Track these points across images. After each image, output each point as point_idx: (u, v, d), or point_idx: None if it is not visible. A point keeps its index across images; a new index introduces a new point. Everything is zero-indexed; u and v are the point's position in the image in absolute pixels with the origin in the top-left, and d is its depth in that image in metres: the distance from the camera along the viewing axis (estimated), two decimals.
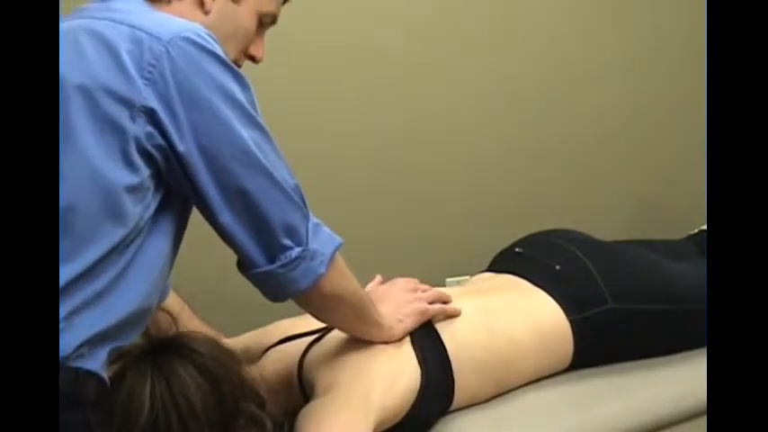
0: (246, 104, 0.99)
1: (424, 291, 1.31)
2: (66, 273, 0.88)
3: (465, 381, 1.26)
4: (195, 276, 1.45)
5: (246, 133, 0.98)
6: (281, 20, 1.19)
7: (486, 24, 2.14)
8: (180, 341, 0.96)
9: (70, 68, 0.92)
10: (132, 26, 0.95)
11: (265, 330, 1.40)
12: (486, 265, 1.61)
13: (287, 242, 1.01)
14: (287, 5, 1.20)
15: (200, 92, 0.94)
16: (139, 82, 0.92)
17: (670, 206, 2.40)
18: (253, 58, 1.17)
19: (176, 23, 0.97)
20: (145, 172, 0.95)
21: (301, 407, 1.14)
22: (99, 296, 0.92)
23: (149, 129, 0.93)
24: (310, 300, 1.08)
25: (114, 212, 0.92)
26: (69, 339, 0.88)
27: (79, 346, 0.89)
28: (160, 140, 0.94)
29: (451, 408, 1.27)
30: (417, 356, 1.22)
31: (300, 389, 1.24)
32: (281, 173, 1.01)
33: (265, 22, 1.16)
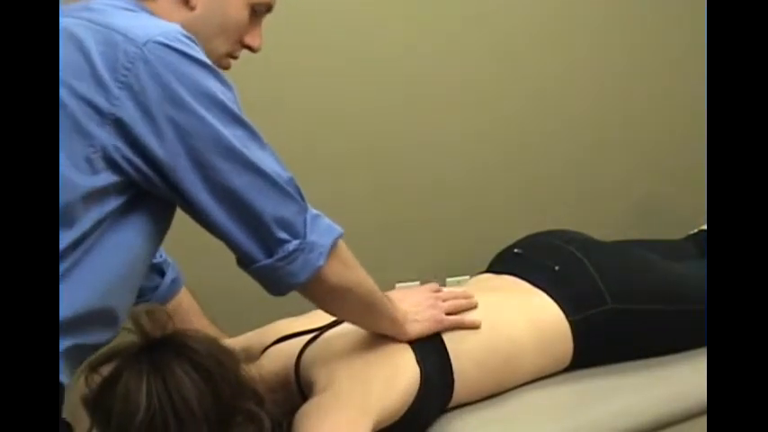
0: (228, 103, 0.97)
1: (444, 299, 1.29)
2: None
3: (464, 380, 1.26)
4: (196, 276, 1.45)
5: (230, 131, 0.97)
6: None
7: (487, 24, 2.14)
8: (177, 339, 0.95)
9: None
10: (108, 27, 0.94)
11: (264, 330, 1.40)
12: (485, 266, 1.61)
13: (283, 235, 1.00)
14: None
15: (178, 94, 0.93)
16: (113, 86, 0.91)
17: (670, 206, 2.40)
18: (250, 48, 1.16)
19: (153, 26, 0.96)
20: (109, 179, 0.94)
21: (299, 406, 1.13)
22: None
23: (116, 141, 0.92)
24: (314, 293, 1.07)
25: (67, 218, 0.91)
26: None
27: None
28: (128, 152, 0.93)
29: (450, 406, 1.27)
30: (416, 356, 1.22)
31: (298, 388, 1.24)
32: (271, 167, 1.00)
33: (259, 10, 1.14)
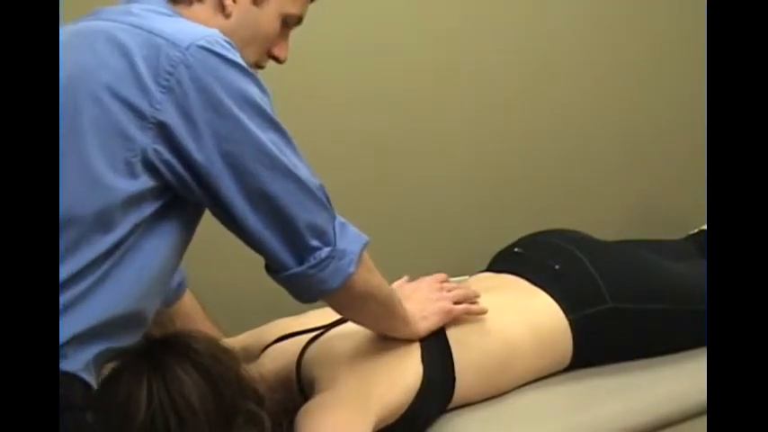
0: (266, 108, 0.98)
1: (449, 290, 1.31)
2: None
3: (465, 380, 1.26)
4: (196, 276, 1.44)
5: (267, 136, 0.97)
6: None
7: (490, 27, 2.14)
8: (177, 340, 0.95)
9: (85, 72, 0.92)
10: (150, 32, 0.95)
11: (264, 329, 1.40)
12: (485, 265, 1.61)
13: (315, 243, 1.01)
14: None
15: (219, 98, 0.94)
16: (155, 90, 0.92)
17: (670, 206, 2.40)
18: (276, 59, 1.17)
19: (194, 30, 0.97)
20: (147, 183, 0.94)
21: (300, 405, 1.14)
22: (78, 299, 0.92)
23: (158, 144, 0.93)
24: (340, 299, 1.08)
25: (106, 221, 0.92)
26: None
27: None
28: (169, 156, 0.94)
29: (450, 406, 1.27)
30: (422, 355, 1.22)
31: (299, 387, 1.24)
32: (304, 174, 1.01)
33: (290, 23, 1.15)
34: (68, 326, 0.90)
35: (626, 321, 1.38)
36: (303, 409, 1.12)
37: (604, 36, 2.29)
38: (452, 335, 1.26)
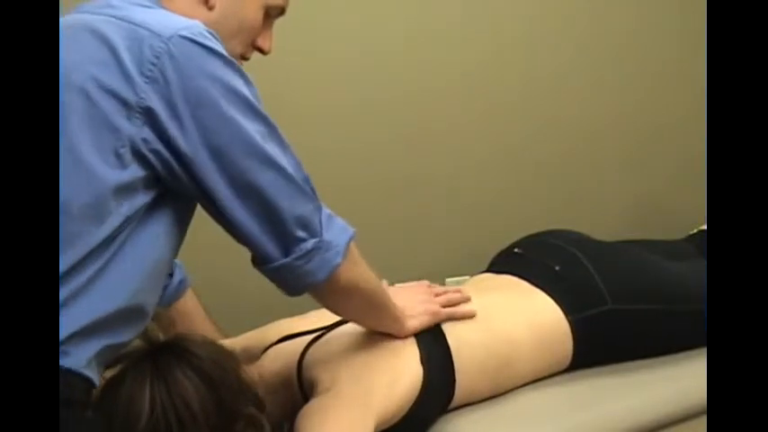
0: (251, 98, 0.98)
1: (437, 294, 1.31)
2: None
3: (466, 380, 1.26)
4: (196, 276, 1.45)
5: (253, 127, 0.97)
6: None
7: (491, 30, 2.14)
8: (178, 344, 0.95)
9: (69, 66, 0.92)
10: (133, 23, 0.95)
11: (264, 330, 1.39)
12: (485, 265, 1.61)
13: (301, 234, 1.00)
14: None
15: (203, 89, 0.94)
16: (139, 80, 0.92)
17: (670, 206, 2.40)
18: (261, 50, 1.17)
19: (177, 21, 0.97)
20: (137, 173, 0.94)
21: (301, 406, 1.13)
22: (78, 293, 0.91)
23: (145, 132, 0.93)
24: (327, 292, 1.07)
25: (99, 213, 0.92)
26: None
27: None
28: (157, 145, 0.93)
29: (451, 406, 1.27)
30: (421, 355, 1.22)
31: (300, 388, 1.24)
32: (290, 165, 1.00)
33: (272, 13, 1.15)
34: (69, 321, 0.90)
35: (626, 322, 1.39)
36: (304, 410, 1.12)
37: (604, 37, 2.29)
38: (452, 335, 1.27)
